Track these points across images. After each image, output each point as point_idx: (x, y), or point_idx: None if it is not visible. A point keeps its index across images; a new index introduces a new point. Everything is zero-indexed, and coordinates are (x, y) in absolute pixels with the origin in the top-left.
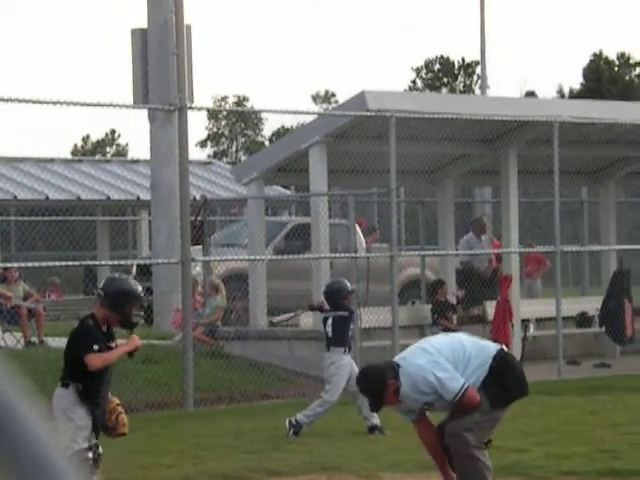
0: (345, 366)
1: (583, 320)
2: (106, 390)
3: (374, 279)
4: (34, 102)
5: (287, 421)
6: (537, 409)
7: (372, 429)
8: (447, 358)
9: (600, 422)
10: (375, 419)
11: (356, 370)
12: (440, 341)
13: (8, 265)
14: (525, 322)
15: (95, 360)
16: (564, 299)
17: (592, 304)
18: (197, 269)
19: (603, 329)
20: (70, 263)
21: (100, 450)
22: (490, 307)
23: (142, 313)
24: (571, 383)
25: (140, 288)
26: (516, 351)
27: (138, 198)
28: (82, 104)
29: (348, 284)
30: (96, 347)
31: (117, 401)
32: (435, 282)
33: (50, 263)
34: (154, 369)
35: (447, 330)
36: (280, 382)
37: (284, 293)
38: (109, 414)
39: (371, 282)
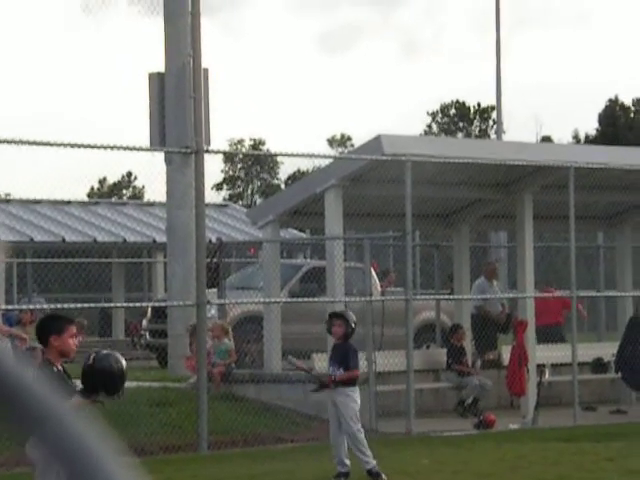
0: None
1: (599, 366)
2: None
3: (389, 323)
4: (51, 145)
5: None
6: (553, 455)
7: (370, 473)
8: None
9: (616, 469)
10: (370, 464)
11: (344, 411)
12: None
13: (24, 307)
14: (541, 367)
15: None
16: (580, 344)
17: (608, 350)
18: (212, 312)
19: (619, 375)
20: (86, 305)
21: None
22: (505, 352)
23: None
24: (587, 429)
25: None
26: (532, 396)
27: (154, 240)
28: (99, 147)
29: (336, 311)
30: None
31: None
32: (452, 326)
33: (65, 305)
34: (168, 412)
35: (462, 374)
36: (294, 426)
37: (299, 336)
38: None
39: (386, 326)
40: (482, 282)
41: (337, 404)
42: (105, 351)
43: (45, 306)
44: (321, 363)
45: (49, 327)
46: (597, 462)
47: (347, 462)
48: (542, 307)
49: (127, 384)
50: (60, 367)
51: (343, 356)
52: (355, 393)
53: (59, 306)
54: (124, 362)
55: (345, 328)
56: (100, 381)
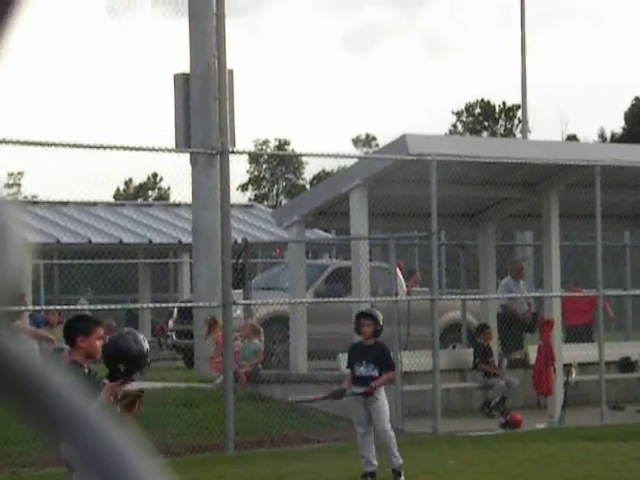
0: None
1: (626, 365)
2: None
3: (415, 322)
4: (77, 146)
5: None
6: (580, 455)
7: (394, 471)
8: None
9: None
10: (397, 464)
11: (382, 411)
12: None
13: (51, 308)
14: (567, 367)
15: None
16: (607, 343)
17: (635, 349)
18: (238, 312)
19: None
20: (112, 306)
21: None
22: (532, 351)
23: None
24: (614, 429)
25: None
26: (558, 396)
27: (180, 241)
28: (125, 148)
29: (364, 310)
30: None
31: None
32: (479, 326)
33: (92, 306)
34: (195, 412)
35: (488, 375)
36: (320, 426)
37: (325, 336)
38: None
39: (412, 325)
40: (508, 281)
41: (372, 404)
42: (122, 331)
43: (72, 307)
44: (345, 362)
45: (76, 328)
46: (624, 462)
47: (374, 462)
48: (572, 307)
49: (153, 385)
50: (88, 368)
51: (379, 356)
52: (383, 392)
53: (86, 307)
54: (141, 337)
55: (374, 327)
56: (121, 360)
